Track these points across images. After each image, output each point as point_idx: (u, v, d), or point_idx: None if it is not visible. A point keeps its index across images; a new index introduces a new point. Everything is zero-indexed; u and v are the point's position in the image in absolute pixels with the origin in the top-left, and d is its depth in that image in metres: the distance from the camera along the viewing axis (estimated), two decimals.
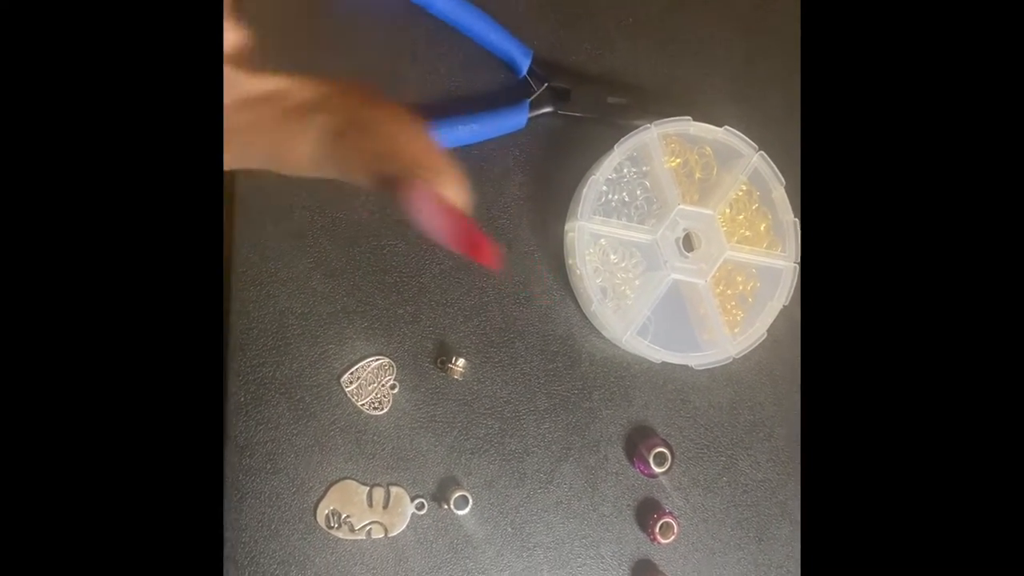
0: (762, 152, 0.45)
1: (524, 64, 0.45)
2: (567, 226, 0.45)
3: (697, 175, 0.46)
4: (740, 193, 0.45)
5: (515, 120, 0.44)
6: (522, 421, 0.45)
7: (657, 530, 0.45)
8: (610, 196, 0.45)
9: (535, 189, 0.46)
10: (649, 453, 0.45)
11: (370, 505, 0.42)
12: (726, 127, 0.44)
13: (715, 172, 0.46)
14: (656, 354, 0.44)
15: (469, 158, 0.45)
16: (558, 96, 0.45)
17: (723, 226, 0.45)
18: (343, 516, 0.42)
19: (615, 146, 0.44)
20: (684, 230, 0.45)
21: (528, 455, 0.45)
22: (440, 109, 0.44)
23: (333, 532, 0.42)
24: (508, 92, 0.46)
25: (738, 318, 0.45)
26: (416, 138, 0.29)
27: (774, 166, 0.45)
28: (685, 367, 0.47)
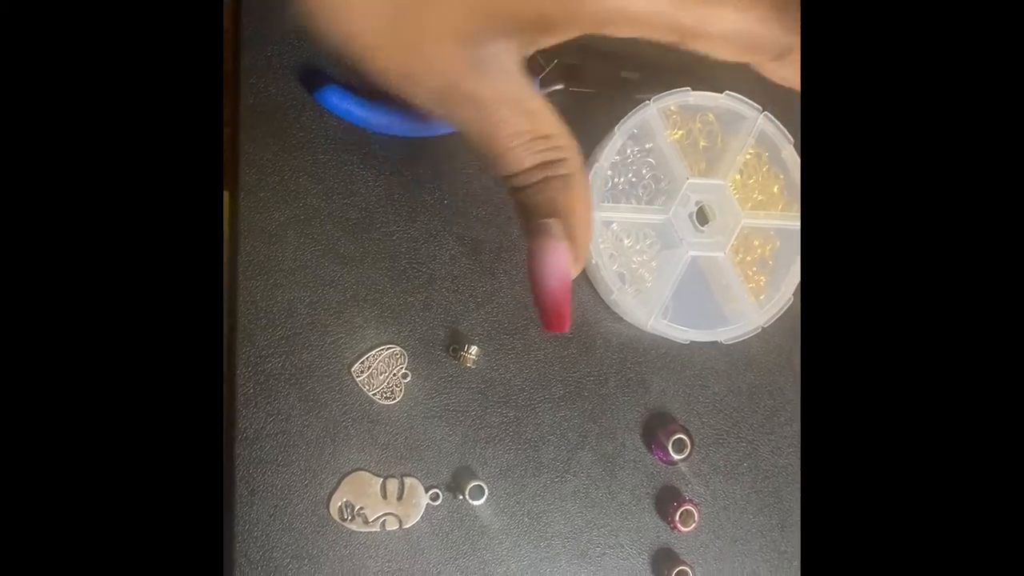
0: (766, 112, 0.44)
1: None
2: None
3: (702, 144, 0.46)
4: (749, 157, 0.45)
5: None
6: (537, 409, 0.45)
7: (677, 518, 0.45)
8: (616, 179, 0.45)
9: None
10: (668, 440, 0.45)
11: (384, 496, 0.43)
12: (727, 92, 0.44)
13: (720, 139, 0.46)
14: (683, 335, 0.44)
15: None
16: (569, 73, 0.45)
17: (736, 193, 0.45)
18: (357, 508, 0.42)
19: (615, 128, 0.44)
20: (697, 204, 0.45)
21: (544, 444, 0.45)
22: None
23: (347, 524, 0.42)
24: None
25: (761, 283, 0.46)
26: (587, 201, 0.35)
27: (780, 125, 0.45)
28: (702, 350, 0.47)
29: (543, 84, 0.45)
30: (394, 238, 0.44)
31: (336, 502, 0.42)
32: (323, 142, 0.44)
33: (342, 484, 0.42)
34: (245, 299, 0.42)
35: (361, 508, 0.42)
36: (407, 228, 0.45)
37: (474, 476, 0.44)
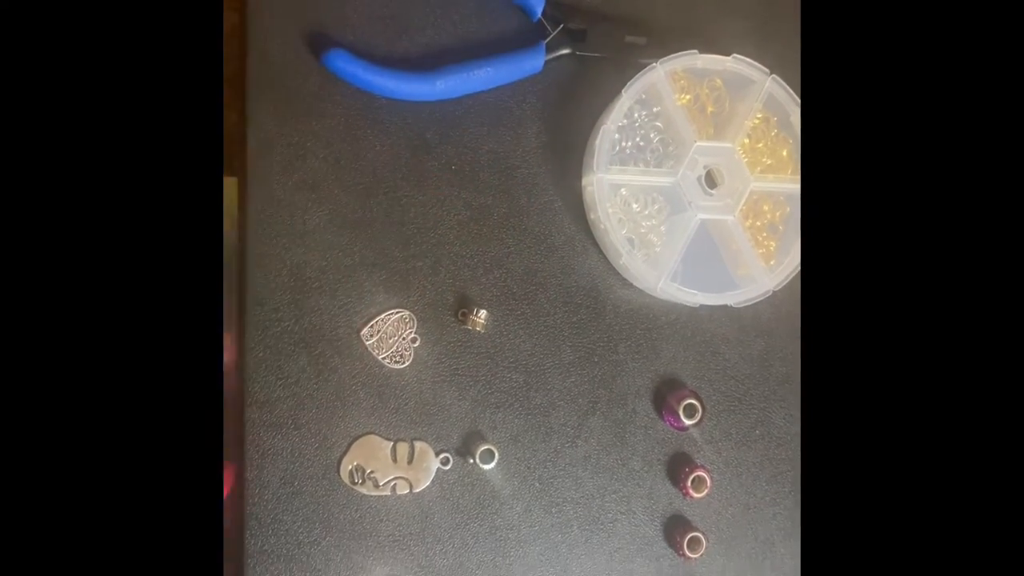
0: (774, 76, 0.45)
1: (538, 7, 0.45)
2: (584, 180, 0.46)
3: (709, 109, 0.46)
4: (757, 121, 0.46)
5: (531, 63, 0.45)
6: (547, 375, 0.46)
7: (689, 484, 0.45)
8: (624, 143, 0.45)
9: (553, 136, 0.47)
10: (679, 405, 0.45)
11: (394, 460, 0.43)
12: (734, 55, 0.45)
13: (728, 104, 0.46)
14: (692, 298, 0.44)
15: (485, 105, 0.46)
16: (574, 38, 0.46)
17: (744, 157, 0.45)
18: (367, 471, 0.43)
19: (623, 91, 0.44)
20: (705, 167, 0.45)
21: (554, 409, 0.45)
22: (454, 54, 0.45)
23: (357, 488, 0.42)
24: (523, 36, 0.46)
25: (771, 248, 0.46)
26: None
27: (788, 88, 0.45)
28: (713, 317, 0.47)
29: (549, 49, 0.45)
30: (402, 203, 0.45)
31: (347, 466, 0.43)
32: (330, 107, 0.45)
33: (352, 448, 0.43)
34: (254, 263, 0.43)
35: (371, 472, 0.43)
36: (415, 193, 0.45)
37: (484, 440, 0.44)
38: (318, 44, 0.44)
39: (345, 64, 0.43)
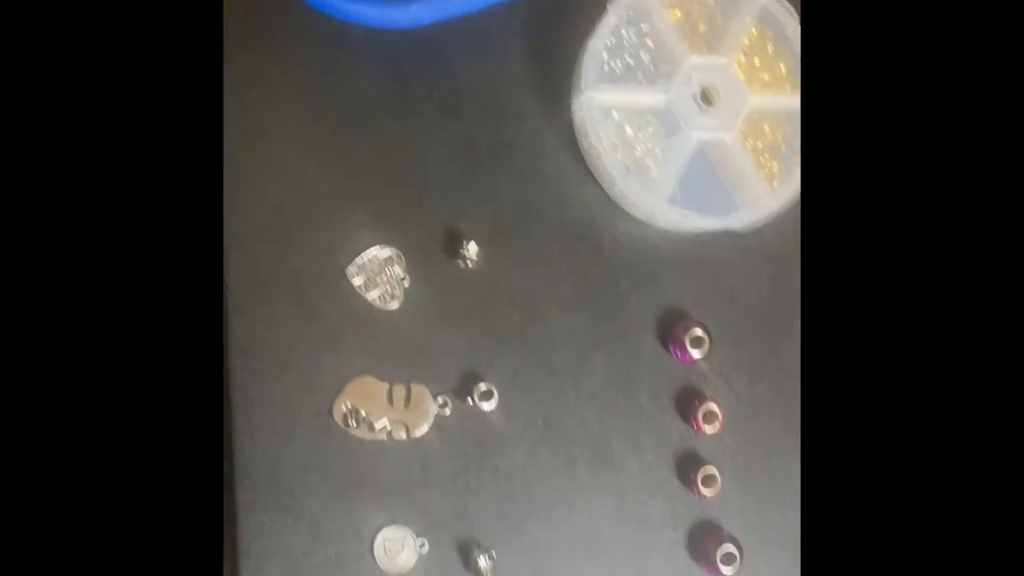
0: None
1: None
2: (574, 105, 0.46)
3: (701, 28, 0.46)
4: (752, 37, 0.46)
5: None
6: (545, 311, 0.46)
7: (701, 418, 0.46)
8: (613, 63, 0.46)
9: (539, 63, 0.47)
10: (685, 336, 0.45)
11: (391, 403, 0.43)
12: None
13: (720, 20, 0.46)
14: (693, 221, 0.44)
15: (464, 31, 0.46)
16: None
17: (741, 74, 0.45)
18: (362, 415, 0.43)
19: (608, 6, 0.44)
20: (699, 84, 0.45)
21: (555, 347, 0.46)
22: None
23: (352, 432, 0.43)
24: None
25: (774, 170, 0.46)
26: None
27: (784, 0, 0.45)
28: (717, 245, 0.47)
29: None
30: (382, 135, 0.45)
31: (340, 408, 0.43)
32: (302, 38, 0.45)
33: (347, 389, 0.43)
34: (231, 203, 0.43)
35: (367, 415, 0.43)
36: (395, 125, 0.45)
37: (483, 381, 0.44)
38: None
39: None
